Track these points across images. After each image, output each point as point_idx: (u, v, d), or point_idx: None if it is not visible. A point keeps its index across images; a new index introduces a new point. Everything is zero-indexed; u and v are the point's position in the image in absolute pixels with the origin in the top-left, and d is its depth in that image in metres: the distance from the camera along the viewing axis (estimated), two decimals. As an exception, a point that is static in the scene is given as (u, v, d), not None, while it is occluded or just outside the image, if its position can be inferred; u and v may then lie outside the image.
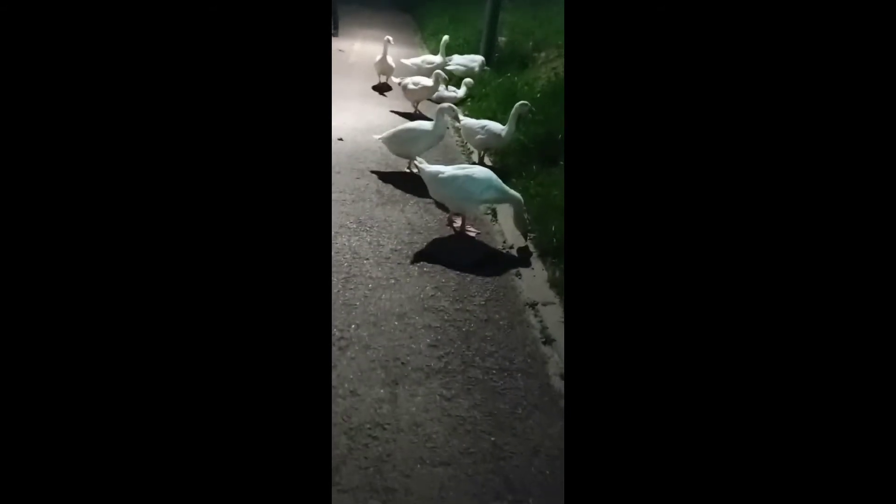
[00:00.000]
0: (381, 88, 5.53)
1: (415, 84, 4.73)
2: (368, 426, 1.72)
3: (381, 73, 5.57)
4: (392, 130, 3.55)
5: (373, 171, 3.63)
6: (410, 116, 4.73)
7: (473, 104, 4.95)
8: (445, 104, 3.42)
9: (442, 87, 4.89)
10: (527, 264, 2.77)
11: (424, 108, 4.92)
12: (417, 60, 5.71)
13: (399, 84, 4.93)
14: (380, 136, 3.60)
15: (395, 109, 4.94)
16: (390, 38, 5.52)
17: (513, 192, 2.87)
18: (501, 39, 6.75)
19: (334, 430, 1.69)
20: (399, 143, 3.50)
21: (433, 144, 3.52)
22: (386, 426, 1.73)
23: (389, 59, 5.40)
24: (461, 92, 5.00)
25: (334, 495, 1.49)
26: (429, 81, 4.73)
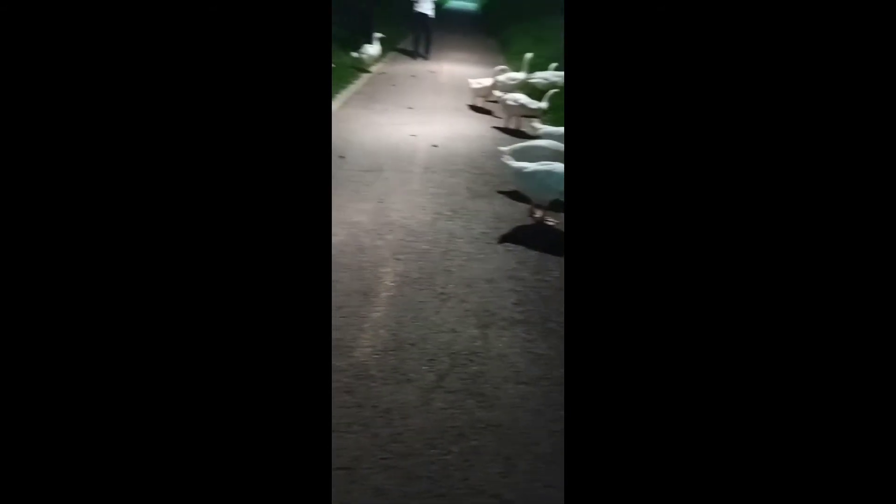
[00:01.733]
0: (477, 108, 6.08)
1: (514, 101, 5.22)
2: (465, 353, 2.19)
3: (480, 95, 6.09)
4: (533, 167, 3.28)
5: (463, 171, 4.17)
6: (510, 130, 5.25)
7: (555, 115, 5.37)
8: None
9: (527, 100, 5.35)
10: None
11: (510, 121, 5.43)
12: (502, 77, 6.25)
13: (499, 99, 5.46)
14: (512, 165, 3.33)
15: (496, 125, 5.47)
16: (505, 68, 6.09)
17: None
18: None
19: (440, 353, 2.19)
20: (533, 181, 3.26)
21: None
22: (479, 354, 2.20)
23: (492, 86, 5.88)
24: (544, 104, 5.44)
25: (441, 396, 1.97)
26: (527, 99, 5.19)
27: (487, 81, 5.90)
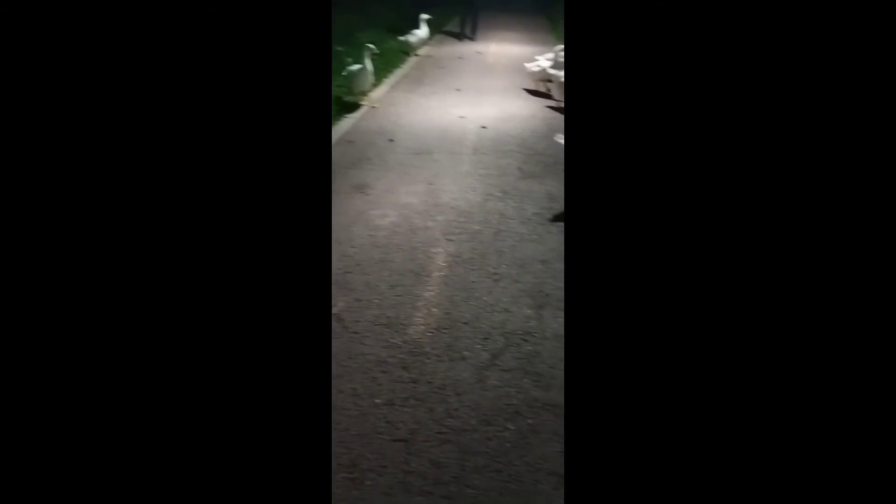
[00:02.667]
0: (534, 91, 5.79)
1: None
2: (520, 333, 2.16)
3: (539, 79, 5.75)
4: None
5: (514, 152, 4.09)
6: (563, 110, 5.06)
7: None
8: None
9: None
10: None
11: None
12: (550, 55, 6.06)
13: (553, 77, 5.25)
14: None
15: (551, 105, 5.28)
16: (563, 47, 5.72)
17: None
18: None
19: (493, 332, 2.17)
20: None
21: None
22: (534, 334, 2.16)
23: (551, 69, 5.54)
24: None
25: (496, 374, 1.96)
26: None
27: (546, 62, 5.51)
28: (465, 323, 2.23)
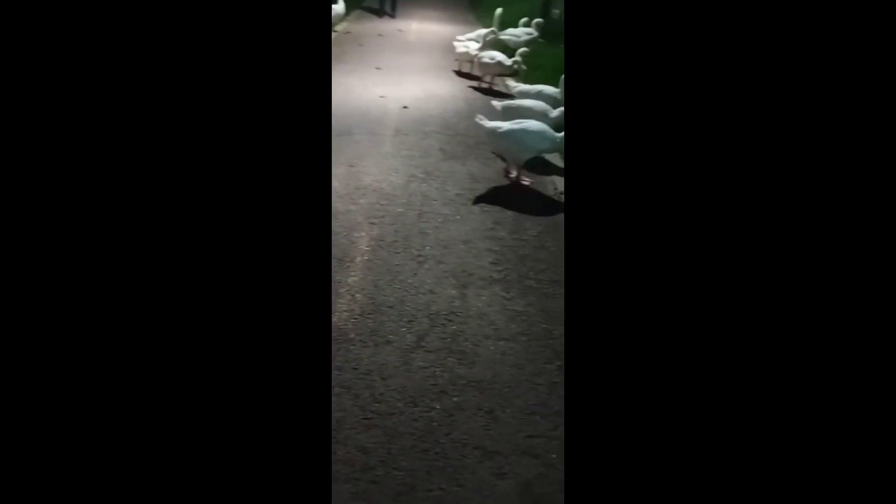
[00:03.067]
0: (462, 73, 5.68)
1: (490, 58, 4.98)
2: (444, 314, 2.19)
3: (466, 60, 5.61)
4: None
5: (435, 132, 4.07)
6: (483, 90, 5.05)
7: (528, 74, 5.26)
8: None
9: (503, 58, 5.07)
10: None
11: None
12: (472, 35, 6.06)
13: (476, 58, 5.21)
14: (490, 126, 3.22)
15: (473, 85, 5.24)
16: (494, 30, 5.58)
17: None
18: (556, 12, 6.95)
19: (418, 314, 2.17)
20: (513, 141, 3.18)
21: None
22: (458, 314, 2.19)
23: (476, 51, 5.41)
24: (519, 61, 5.30)
25: (422, 356, 1.97)
26: (503, 56, 4.96)
27: (503, 57, 5.10)
28: (390, 307, 2.21)
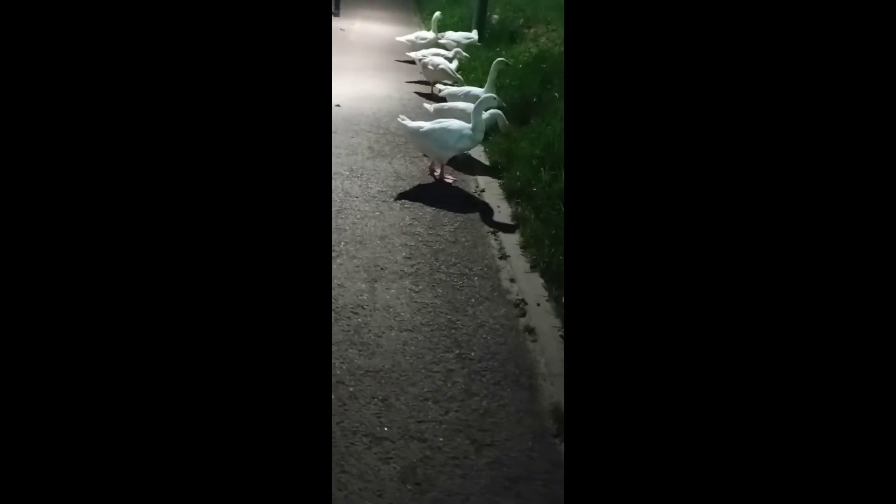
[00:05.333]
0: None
1: (434, 66, 4.92)
2: (351, 307, 2.21)
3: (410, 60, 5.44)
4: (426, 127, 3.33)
5: (365, 131, 4.09)
6: (427, 95, 4.97)
7: (464, 76, 5.37)
8: (486, 96, 3.41)
9: (447, 65, 5.02)
10: (494, 203, 3.23)
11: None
12: (411, 37, 6.11)
13: (419, 61, 5.17)
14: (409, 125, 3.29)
15: (419, 91, 5.10)
16: (460, 51, 5.44)
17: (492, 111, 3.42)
18: (494, 17, 7.12)
19: (324, 308, 2.18)
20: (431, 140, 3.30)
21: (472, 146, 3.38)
22: (364, 307, 2.22)
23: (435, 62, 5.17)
24: (453, 65, 5.40)
25: (323, 348, 1.98)
26: (447, 64, 4.94)
27: (447, 64, 5.03)
28: (296, 301, 2.21)
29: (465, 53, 5.44)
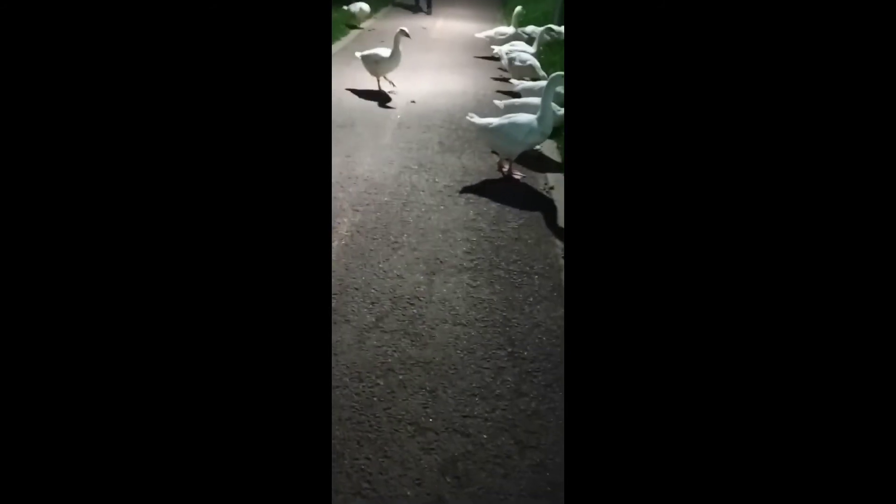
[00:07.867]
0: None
1: (521, 62, 4.89)
2: (408, 297, 2.25)
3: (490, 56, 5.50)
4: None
5: (437, 126, 4.13)
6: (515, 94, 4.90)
7: (544, 62, 5.21)
8: (555, 75, 3.26)
9: (534, 62, 4.97)
10: (562, 201, 3.12)
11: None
12: (490, 32, 6.08)
13: (504, 56, 5.13)
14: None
15: (500, 90, 5.21)
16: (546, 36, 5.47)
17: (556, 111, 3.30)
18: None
19: (382, 297, 2.24)
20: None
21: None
22: (421, 298, 2.25)
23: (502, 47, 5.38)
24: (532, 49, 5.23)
25: (377, 336, 2.03)
26: (535, 61, 4.90)
27: (533, 60, 5.01)
28: (356, 289, 2.29)
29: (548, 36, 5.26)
